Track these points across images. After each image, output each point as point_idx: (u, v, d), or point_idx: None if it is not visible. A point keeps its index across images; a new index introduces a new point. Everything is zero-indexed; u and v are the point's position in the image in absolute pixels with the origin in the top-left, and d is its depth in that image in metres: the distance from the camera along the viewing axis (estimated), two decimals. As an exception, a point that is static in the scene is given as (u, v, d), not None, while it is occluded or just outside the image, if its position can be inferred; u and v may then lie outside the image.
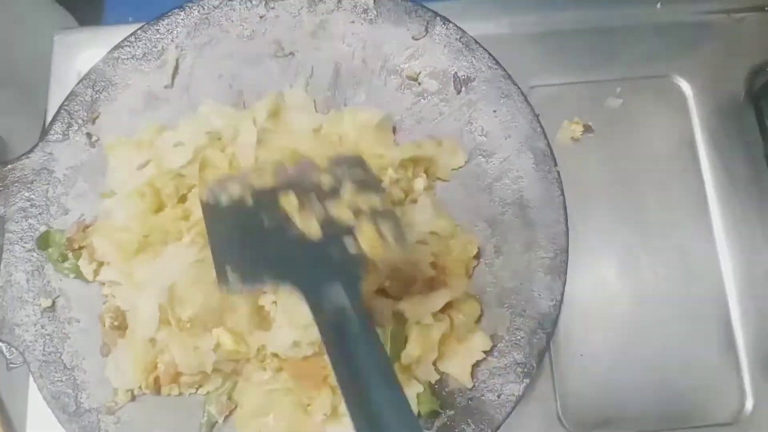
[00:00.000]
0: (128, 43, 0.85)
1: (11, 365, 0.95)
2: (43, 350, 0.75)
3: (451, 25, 0.83)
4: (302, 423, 0.71)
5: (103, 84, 0.84)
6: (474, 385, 0.73)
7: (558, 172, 0.78)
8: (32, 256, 0.78)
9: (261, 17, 0.85)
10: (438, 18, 0.83)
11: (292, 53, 0.86)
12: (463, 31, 0.83)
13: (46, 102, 0.95)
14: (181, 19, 0.85)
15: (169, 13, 0.85)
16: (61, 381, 0.75)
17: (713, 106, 0.93)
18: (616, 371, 0.83)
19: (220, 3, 0.85)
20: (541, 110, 0.83)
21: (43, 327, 0.76)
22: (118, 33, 0.87)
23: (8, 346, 0.96)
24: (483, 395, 0.73)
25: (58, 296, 0.78)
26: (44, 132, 0.83)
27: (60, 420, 0.73)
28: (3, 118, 1.01)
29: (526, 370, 0.73)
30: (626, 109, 0.92)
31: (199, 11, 0.85)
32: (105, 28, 0.97)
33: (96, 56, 0.86)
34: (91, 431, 0.73)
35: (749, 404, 0.81)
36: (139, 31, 0.85)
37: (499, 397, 0.72)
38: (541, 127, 0.80)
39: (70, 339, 0.76)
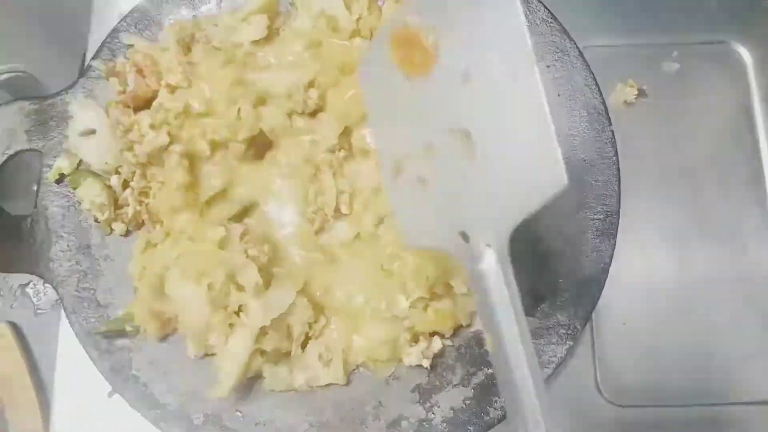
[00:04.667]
0: (173, -19, 0.83)
1: (39, 311, 0.95)
2: (77, 286, 0.74)
3: (505, -25, 0.80)
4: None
5: (146, 23, 0.83)
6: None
7: (612, 132, 0.75)
8: (68, 191, 0.77)
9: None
10: (492, -32, 0.80)
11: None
12: (518, -18, 0.80)
13: (85, 42, 0.93)
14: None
15: (218, -48, 0.83)
16: (94, 318, 0.74)
17: (774, 76, 0.89)
18: (659, 342, 0.80)
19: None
20: (593, 72, 0.80)
21: (78, 263, 0.75)
22: (162, -26, 0.85)
23: (36, 292, 0.96)
24: (524, 355, 0.70)
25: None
26: (85, 69, 0.81)
27: (92, 357, 0.72)
28: (39, 58, 1.01)
29: (569, 332, 0.70)
30: (682, 74, 0.88)
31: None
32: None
33: (139, -2, 0.84)
34: (122, 369, 0.72)
35: (798, 383, 0.78)
36: (185, -29, 0.83)
37: (540, 358, 0.70)
38: (597, 84, 0.76)
39: (104, 276, 0.75)
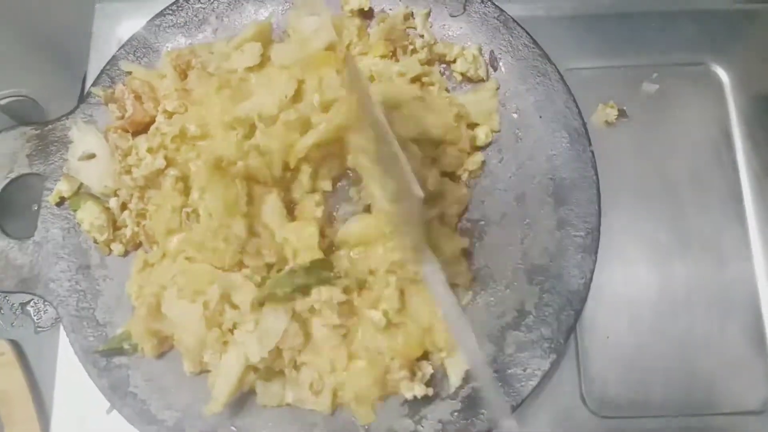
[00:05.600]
0: (170, 12, 0.87)
1: (39, 329, 0.97)
2: (77, 306, 0.77)
3: (489, 2, 0.84)
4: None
5: (144, 50, 0.86)
6: (500, 358, 0.74)
7: (592, 152, 0.78)
8: (69, 213, 0.80)
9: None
10: (476, -4, 0.84)
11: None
12: (501, 10, 0.84)
13: (84, 69, 0.96)
14: (223, -10, 0.86)
15: (211, -16, 0.87)
16: (93, 336, 0.76)
17: (750, 95, 0.92)
18: (642, 355, 0.82)
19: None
20: (575, 94, 0.83)
21: (77, 283, 0.78)
22: (157, 3, 0.88)
23: (36, 311, 0.98)
24: (509, 368, 0.73)
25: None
26: (85, 95, 0.84)
27: (90, 375, 0.75)
28: (39, 83, 1.04)
29: (553, 345, 0.73)
30: (662, 95, 0.91)
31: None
32: (146, -2, 0.99)
33: (137, 26, 0.87)
34: (120, 386, 0.74)
35: (778, 393, 0.80)
36: (181, 0, 0.86)
37: (525, 370, 0.72)
38: (577, 106, 0.80)
39: (103, 296, 0.78)
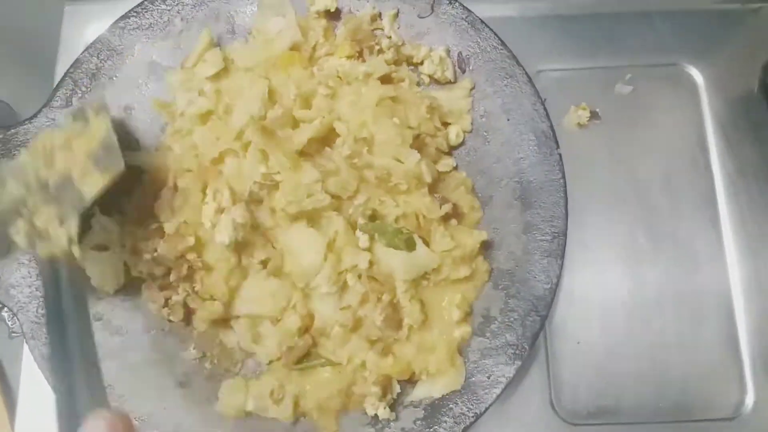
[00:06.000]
0: (135, 14, 0.85)
1: (13, 334, 0.96)
2: (36, 312, 0.76)
3: (457, 3, 0.83)
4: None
5: (108, 53, 0.85)
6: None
7: (560, 155, 0.77)
8: (30, 219, 0.79)
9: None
10: (445, -4, 0.83)
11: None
12: (469, 11, 0.83)
13: (53, 71, 0.95)
14: (188, -8, 0.85)
15: (177, -14, 0.85)
16: (53, 343, 0.75)
17: (725, 97, 0.91)
18: (613, 361, 0.81)
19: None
20: (548, 95, 0.82)
21: (37, 289, 0.76)
22: (127, 5, 0.87)
23: (11, 316, 0.97)
24: (473, 376, 0.72)
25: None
26: (48, 99, 0.83)
27: (50, 382, 0.73)
28: (11, 85, 1.02)
29: (517, 352, 0.71)
30: (635, 96, 0.90)
31: (205, -15, 0.85)
32: (114, 0, 0.98)
33: (105, 28, 0.86)
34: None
35: (750, 400, 0.79)
36: (146, 2, 0.85)
37: (489, 377, 0.71)
38: (545, 108, 0.78)
39: (63, 302, 0.76)
